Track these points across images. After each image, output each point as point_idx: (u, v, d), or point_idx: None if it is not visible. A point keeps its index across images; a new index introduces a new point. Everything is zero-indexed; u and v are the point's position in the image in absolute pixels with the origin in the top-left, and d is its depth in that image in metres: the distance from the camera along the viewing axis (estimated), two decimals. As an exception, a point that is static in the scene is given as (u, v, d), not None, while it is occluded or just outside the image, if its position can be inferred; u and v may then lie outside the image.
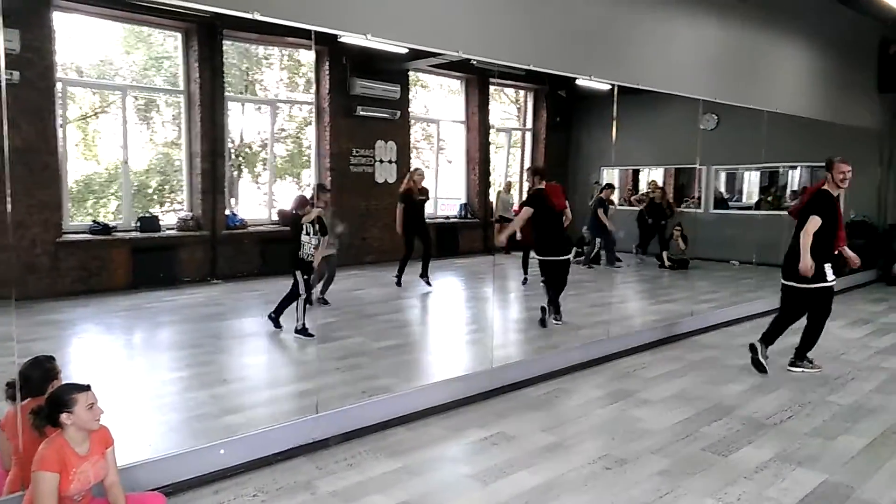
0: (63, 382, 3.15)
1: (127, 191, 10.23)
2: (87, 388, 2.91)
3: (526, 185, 15.67)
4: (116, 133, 10.26)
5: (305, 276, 6.80)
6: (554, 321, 7.59)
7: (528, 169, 9.85)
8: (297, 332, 6.85)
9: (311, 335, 6.81)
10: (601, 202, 12.62)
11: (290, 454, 4.06)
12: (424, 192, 10.01)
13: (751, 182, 15.04)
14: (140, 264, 9.68)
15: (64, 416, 2.81)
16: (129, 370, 6.13)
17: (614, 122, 8.20)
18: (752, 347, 5.99)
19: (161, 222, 10.31)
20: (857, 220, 12.02)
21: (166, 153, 11.39)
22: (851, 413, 4.95)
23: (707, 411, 4.98)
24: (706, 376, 5.90)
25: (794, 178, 14.28)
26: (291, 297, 6.96)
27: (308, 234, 6.91)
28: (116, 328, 7.67)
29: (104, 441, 3.00)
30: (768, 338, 5.98)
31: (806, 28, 9.42)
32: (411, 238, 9.89)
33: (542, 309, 7.61)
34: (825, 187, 5.76)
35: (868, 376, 5.90)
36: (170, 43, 10.80)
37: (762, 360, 5.90)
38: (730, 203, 14.60)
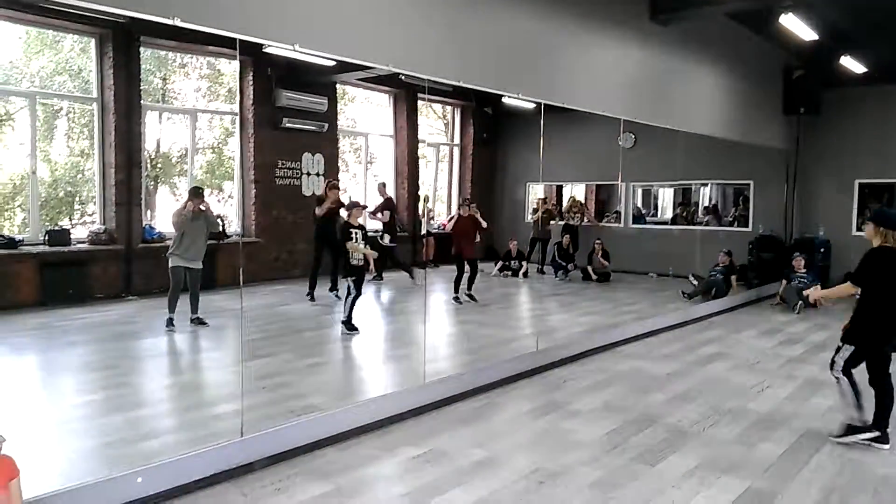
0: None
1: (34, 202, 9.63)
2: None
3: (455, 200, 16.09)
4: (24, 142, 9.65)
5: (355, 279, 7.62)
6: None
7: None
8: (342, 322, 7.70)
9: (356, 329, 7.68)
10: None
11: (213, 480, 3.86)
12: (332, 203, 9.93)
13: (665, 198, 15.70)
14: (49, 280, 9.12)
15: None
16: (38, 394, 5.74)
17: (542, 139, 8.36)
18: None
19: (71, 235, 9.76)
20: (765, 235, 12.72)
21: (76, 163, 10.80)
22: (769, 420, 5.17)
23: (634, 421, 5.09)
24: (631, 386, 6.05)
25: (706, 195, 15.01)
26: (352, 299, 7.67)
27: (356, 240, 7.63)
28: (23, 348, 7.16)
29: (7, 472, 2.77)
30: None
31: (718, 53, 9.94)
32: (322, 251, 9.88)
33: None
34: None
35: (782, 384, 6.19)
36: (80, 48, 10.28)
37: None
38: (647, 218, 15.18)
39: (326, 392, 5.61)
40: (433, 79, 6.15)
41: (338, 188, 10.30)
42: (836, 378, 4.65)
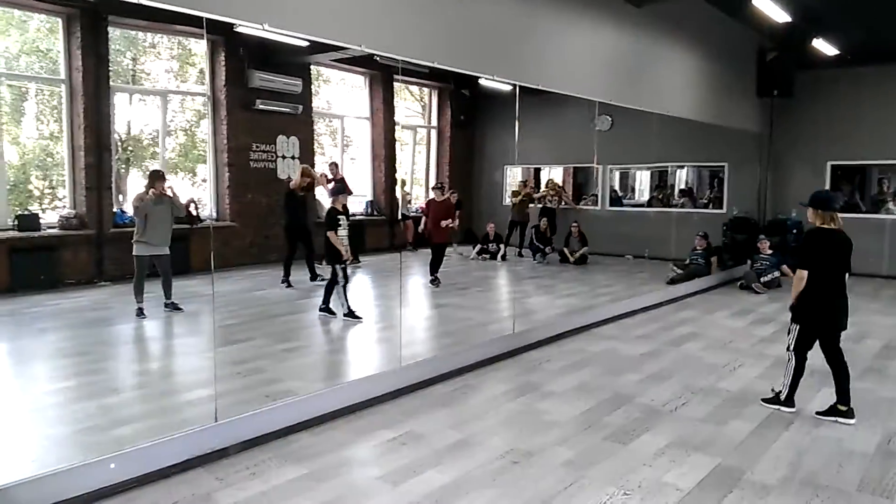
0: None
1: (2, 187, 9.42)
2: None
3: (433, 183, 15.99)
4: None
5: (342, 266, 7.50)
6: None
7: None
8: (345, 315, 7.60)
9: (359, 317, 7.61)
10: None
11: (186, 466, 3.84)
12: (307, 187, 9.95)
13: (642, 181, 15.79)
14: (18, 266, 8.98)
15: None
16: (9, 381, 5.66)
17: (517, 122, 8.34)
18: None
19: (41, 220, 9.58)
20: (739, 217, 12.87)
21: (46, 146, 10.56)
22: (740, 399, 5.26)
23: (608, 401, 5.15)
24: (606, 367, 6.11)
25: (682, 177, 15.12)
26: (343, 287, 7.60)
27: (343, 226, 7.55)
28: (-10, 336, 7.05)
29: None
30: None
31: (692, 35, 9.97)
32: (293, 236, 9.82)
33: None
34: None
35: (754, 363, 6.29)
36: (48, 28, 10.01)
37: None
38: (623, 201, 15.27)
39: (301, 377, 5.59)
40: (407, 59, 6.08)
41: (310, 175, 10.20)
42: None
